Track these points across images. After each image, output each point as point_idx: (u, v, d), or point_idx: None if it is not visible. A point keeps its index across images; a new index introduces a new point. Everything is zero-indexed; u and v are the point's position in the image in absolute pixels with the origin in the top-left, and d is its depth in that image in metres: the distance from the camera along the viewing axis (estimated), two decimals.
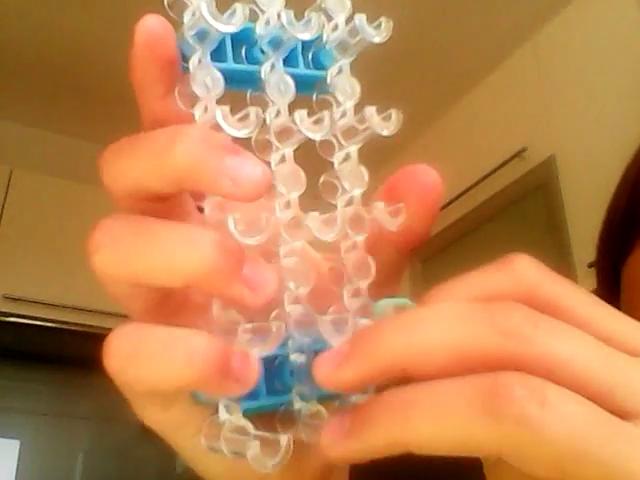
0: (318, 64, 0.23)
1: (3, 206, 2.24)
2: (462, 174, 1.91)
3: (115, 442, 2.46)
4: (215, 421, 0.20)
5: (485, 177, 1.79)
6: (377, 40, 0.22)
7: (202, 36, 0.20)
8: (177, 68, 0.21)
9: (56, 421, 2.37)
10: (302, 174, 0.21)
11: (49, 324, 2.16)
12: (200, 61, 0.20)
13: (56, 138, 2.72)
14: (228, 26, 0.20)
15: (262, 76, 0.21)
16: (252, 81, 0.22)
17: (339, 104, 0.22)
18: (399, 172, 0.24)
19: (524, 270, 0.20)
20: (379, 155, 2.61)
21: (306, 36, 0.21)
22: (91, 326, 2.20)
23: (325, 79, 0.23)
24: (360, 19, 0.22)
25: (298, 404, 0.21)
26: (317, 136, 0.21)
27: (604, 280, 0.49)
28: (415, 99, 2.46)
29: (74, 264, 2.27)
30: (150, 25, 0.20)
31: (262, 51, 0.21)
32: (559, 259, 1.50)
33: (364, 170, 0.23)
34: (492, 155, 1.81)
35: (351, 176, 0.23)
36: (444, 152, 2.06)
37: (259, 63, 0.22)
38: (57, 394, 2.41)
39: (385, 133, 0.22)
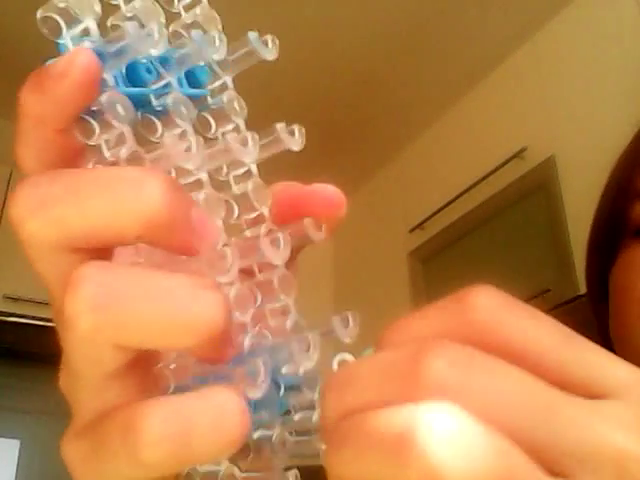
0: (195, 82, 0.22)
1: (3, 206, 2.24)
2: (462, 174, 1.91)
3: None
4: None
5: (485, 177, 1.79)
6: (270, 58, 0.22)
7: (113, 60, 0.20)
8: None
9: (56, 421, 2.36)
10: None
11: (49, 324, 2.14)
12: (110, 88, 0.20)
13: None
14: (154, 50, 0.20)
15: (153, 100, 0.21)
16: (143, 103, 0.21)
17: (228, 122, 0.22)
18: (303, 190, 0.24)
19: (477, 309, 0.18)
20: (379, 155, 2.62)
21: (156, 53, 0.20)
22: None
23: (206, 97, 0.22)
24: (253, 35, 0.22)
25: (260, 433, 0.20)
26: (190, 165, 0.20)
27: (592, 288, 0.50)
28: (415, 99, 2.46)
29: None
30: (85, 60, 0.19)
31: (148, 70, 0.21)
32: (559, 259, 1.50)
33: (267, 191, 0.23)
34: (492, 155, 1.81)
35: (256, 193, 0.22)
36: (444, 152, 2.06)
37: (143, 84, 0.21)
38: (57, 394, 2.39)
39: (295, 148, 0.22)
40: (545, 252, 1.56)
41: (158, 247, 0.19)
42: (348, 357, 0.21)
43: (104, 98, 0.19)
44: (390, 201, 2.24)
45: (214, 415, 0.17)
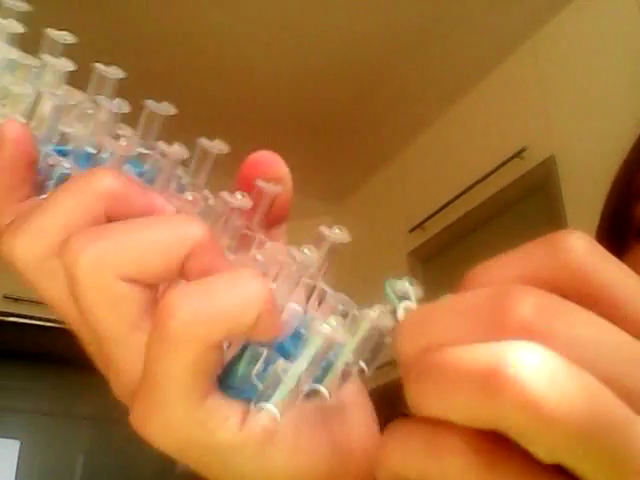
0: None
1: None
2: (462, 174, 1.91)
3: (115, 442, 2.46)
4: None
5: (485, 177, 1.79)
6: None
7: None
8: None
9: (56, 421, 2.37)
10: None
11: (49, 324, 2.16)
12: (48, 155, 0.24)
13: None
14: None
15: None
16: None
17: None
18: (245, 165, 0.27)
19: (572, 252, 0.17)
20: (379, 155, 2.62)
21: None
22: None
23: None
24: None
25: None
26: None
27: None
28: (415, 99, 2.46)
29: None
30: (16, 130, 0.23)
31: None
32: None
33: None
34: (492, 155, 1.81)
35: None
36: (444, 152, 2.06)
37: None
38: (57, 394, 2.41)
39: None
40: None
41: None
42: (412, 305, 0.21)
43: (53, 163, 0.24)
44: (390, 201, 2.24)
45: (240, 295, 0.19)
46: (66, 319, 0.22)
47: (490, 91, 1.92)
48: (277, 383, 0.20)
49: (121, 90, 0.26)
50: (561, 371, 0.15)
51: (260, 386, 0.21)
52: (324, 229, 0.23)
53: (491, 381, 0.15)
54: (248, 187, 0.25)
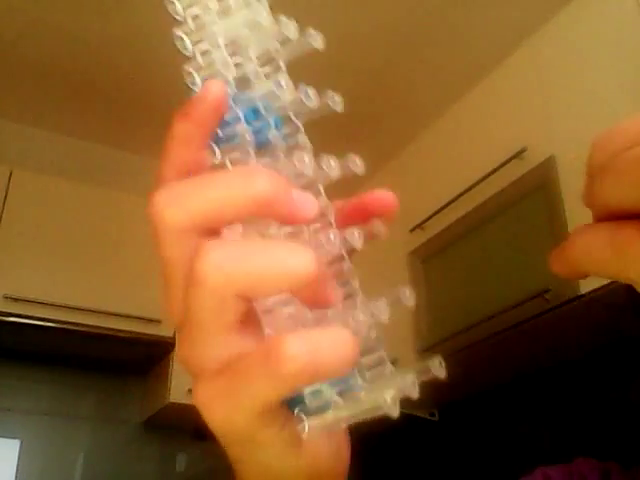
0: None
1: (3, 206, 2.24)
2: (462, 174, 1.91)
3: (115, 442, 2.46)
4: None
5: (485, 177, 1.79)
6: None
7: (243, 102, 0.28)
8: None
9: (56, 421, 2.37)
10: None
11: (49, 324, 2.16)
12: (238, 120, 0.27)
13: (56, 138, 2.72)
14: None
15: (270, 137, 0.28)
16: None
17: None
18: (367, 195, 0.32)
19: None
20: (379, 155, 2.62)
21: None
22: (91, 326, 2.20)
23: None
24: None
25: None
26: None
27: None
28: (415, 99, 2.46)
29: (74, 264, 2.28)
30: (216, 89, 0.26)
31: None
32: None
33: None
34: (492, 155, 1.81)
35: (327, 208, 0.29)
36: (444, 152, 2.06)
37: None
38: (57, 394, 2.41)
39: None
40: (545, 252, 1.55)
41: (268, 218, 0.25)
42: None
43: (239, 128, 0.27)
44: None
45: (335, 339, 0.23)
46: (167, 290, 0.26)
47: (490, 91, 1.92)
48: (325, 409, 0.25)
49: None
50: None
51: (308, 401, 0.25)
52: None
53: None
54: (361, 216, 0.31)
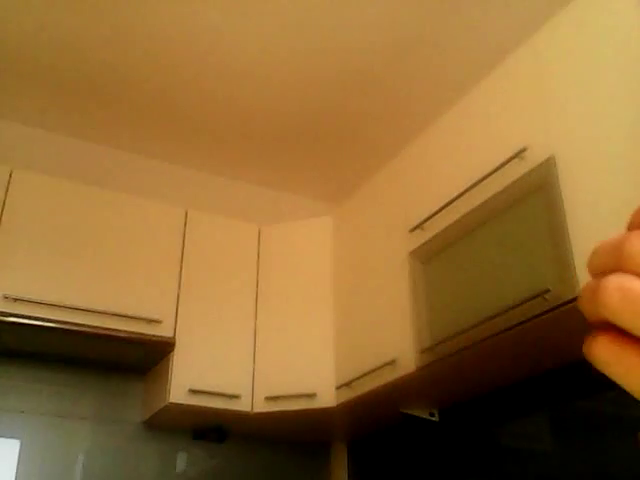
0: None
1: (3, 206, 2.24)
2: (462, 174, 1.91)
3: (115, 442, 2.46)
4: None
5: (485, 177, 1.79)
6: None
7: None
8: None
9: (56, 421, 2.37)
10: None
11: (49, 324, 2.16)
12: None
13: (56, 138, 2.72)
14: None
15: None
16: None
17: None
18: None
19: None
20: (379, 155, 2.61)
21: None
22: (91, 326, 2.20)
23: None
24: None
25: None
26: None
27: None
28: (415, 99, 2.46)
29: (74, 264, 2.28)
30: None
31: None
32: (559, 259, 1.50)
33: None
34: (492, 155, 1.81)
35: None
36: (444, 152, 2.05)
37: None
38: (57, 394, 2.41)
39: None
40: (545, 252, 1.56)
41: None
42: None
43: None
44: (390, 201, 2.25)
45: None
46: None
47: (490, 91, 1.92)
48: None
49: None
50: None
51: None
52: None
53: None
54: None
